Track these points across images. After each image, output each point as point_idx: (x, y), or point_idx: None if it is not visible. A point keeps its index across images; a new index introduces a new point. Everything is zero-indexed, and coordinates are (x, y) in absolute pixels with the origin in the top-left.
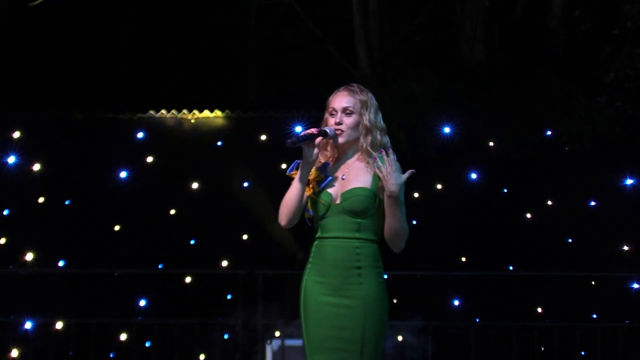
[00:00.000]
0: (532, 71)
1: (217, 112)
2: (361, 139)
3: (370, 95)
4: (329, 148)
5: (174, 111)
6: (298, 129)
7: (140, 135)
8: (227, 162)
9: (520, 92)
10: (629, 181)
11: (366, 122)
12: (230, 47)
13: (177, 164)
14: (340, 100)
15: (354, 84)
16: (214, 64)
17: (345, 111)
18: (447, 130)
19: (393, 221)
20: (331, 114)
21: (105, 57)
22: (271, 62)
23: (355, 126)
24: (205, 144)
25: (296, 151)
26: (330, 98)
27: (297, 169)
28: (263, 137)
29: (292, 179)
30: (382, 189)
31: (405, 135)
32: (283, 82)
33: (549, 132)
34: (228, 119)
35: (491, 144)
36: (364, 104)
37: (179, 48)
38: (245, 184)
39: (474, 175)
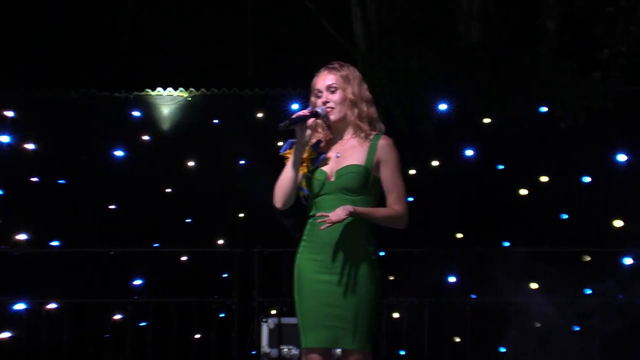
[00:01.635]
0: (528, 48)
1: (214, 90)
2: (348, 112)
3: (351, 68)
4: (320, 130)
5: (170, 89)
6: (294, 106)
7: (136, 113)
8: (223, 140)
9: (516, 68)
10: (622, 157)
11: (350, 95)
12: (227, 23)
13: (173, 142)
14: (323, 79)
15: (334, 62)
16: (210, 41)
17: (330, 89)
18: (443, 107)
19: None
20: (317, 96)
21: (102, 34)
22: (268, 39)
23: (343, 101)
24: (201, 122)
25: (292, 130)
26: (313, 81)
27: (290, 148)
28: (260, 115)
29: (286, 158)
30: (378, 165)
31: (402, 112)
32: (280, 59)
33: (543, 109)
34: (224, 97)
35: (486, 120)
36: (346, 79)
37: (176, 26)
38: (242, 162)
39: (469, 152)
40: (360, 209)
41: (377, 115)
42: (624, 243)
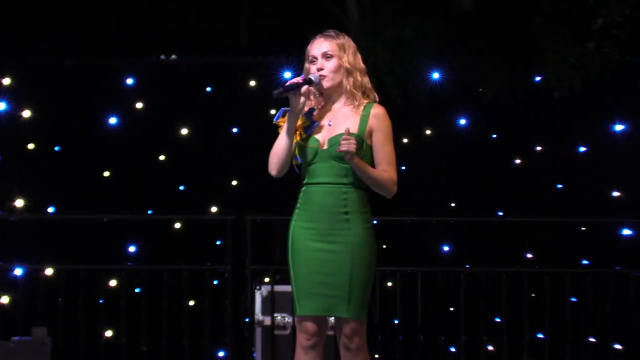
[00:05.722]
0: (522, 16)
1: (207, 57)
2: (343, 81)
3: (347, 38)
4: (312, 97)
5: (163, 56)
6: (287, 74)
7: (130, 81)
8: (216, 107)
9: (510, 37)
10: (618, 127)
11: (346, 64)
12: None
13: (166, 110)
14: (319, 46)
15: (330, 30)
16: (204, 8)
17: (325, 56)
18: (436, 76)
19: (365, 180)
20: (312, 62)
21: (95, 1)
22: (262, 7)
23: (337, 69)
24: (194, 90)
25: (284, 99)
26: (308, 47)
27: (283, 117)
28: (252, 83)
29: (280, 126)
30: (370, 134)
31: (395, 81)
32: (273, 27)
33: (538, 78)
34: (218, 64)
35: (480, 89)
36: (342, 47)
37: None
38: (235, 130)
39: (463, 121)
40: (358, 159)
41: (371, 85)
42: (620, 213)
